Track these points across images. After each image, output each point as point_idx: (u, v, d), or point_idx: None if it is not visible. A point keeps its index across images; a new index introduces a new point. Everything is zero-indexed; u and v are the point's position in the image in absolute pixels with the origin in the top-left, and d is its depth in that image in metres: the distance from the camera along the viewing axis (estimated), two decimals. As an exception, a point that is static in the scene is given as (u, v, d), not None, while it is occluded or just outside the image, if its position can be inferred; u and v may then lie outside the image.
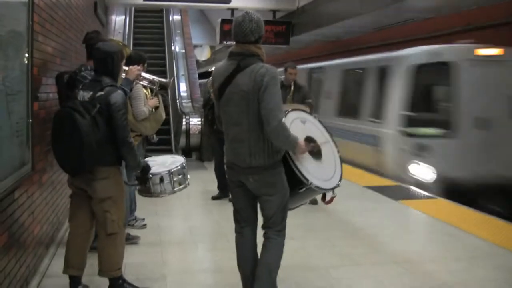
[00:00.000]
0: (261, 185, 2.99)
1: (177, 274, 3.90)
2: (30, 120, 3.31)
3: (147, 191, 3.44)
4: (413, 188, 7.20)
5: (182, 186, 3.55)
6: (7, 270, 2.92)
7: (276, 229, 3.10)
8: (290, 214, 3.17)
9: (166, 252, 4.39)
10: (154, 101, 4.40)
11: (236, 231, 3.23)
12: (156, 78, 4.37)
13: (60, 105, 4.13)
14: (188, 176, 3.66)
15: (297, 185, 3.06)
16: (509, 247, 4.54)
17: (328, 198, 3.30)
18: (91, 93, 3.17)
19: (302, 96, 6.13)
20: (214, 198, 6.39)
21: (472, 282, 3.87)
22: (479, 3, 7.42)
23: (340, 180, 3.29)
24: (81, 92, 3.24)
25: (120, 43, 4.29)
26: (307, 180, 3.03)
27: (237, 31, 2.92)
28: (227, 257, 3.86)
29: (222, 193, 6.32)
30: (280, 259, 3.14)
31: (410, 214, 5.84)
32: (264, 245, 3.13)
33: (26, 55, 3.27)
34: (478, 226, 5.28)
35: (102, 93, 3.13)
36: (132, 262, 3.61)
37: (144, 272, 3.81)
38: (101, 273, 3.37)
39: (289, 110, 3.23)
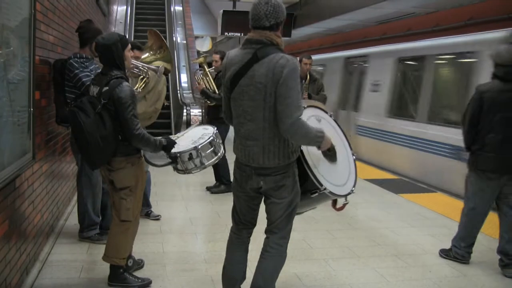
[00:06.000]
0: (271, 188, 2.74)
1: (177, 264, 3.91)
2: (32, 109, 3.30)
3: (179, 169, 3.43)
4: (412, 181, 7.19)
5: (213, 159, 3.43)
6: (8, 258, 2.92)
7: (279, 235, 2.84)
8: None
9: (166, 242, 4.40)
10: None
11: (232, 231, 3.03)
12: (145, 65, 4.25)
13: (55, 91, 4.10)
14: (221, 147, 3.51)
15: (309, 189, 2.85)
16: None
17: (340, 204, 3.06)
18: (98, 88, 3.15)
19: (317, 88, 6.14)
20: (209, 188, 6.35)
21: (472, 275, 3.89)
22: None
23: (354, 186, 3.05)
24: (91, 87, 3.24)
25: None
26: (321, 185, 2.81)
27: (252, 14, 2.64)
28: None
29: (221, 184, 6.29)
30: (279, 271, 2.90)
31: (409, 207, 5.85)
32: (262, 253, 2.89)
33: (28, 44, 3.26)
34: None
35: (107, 87, 3.10)
36: (133, 251, 3.62)
37: (144, 261, 3.81)
38: (105, 257, 3.38)
39: (305, 106, 2.97)
